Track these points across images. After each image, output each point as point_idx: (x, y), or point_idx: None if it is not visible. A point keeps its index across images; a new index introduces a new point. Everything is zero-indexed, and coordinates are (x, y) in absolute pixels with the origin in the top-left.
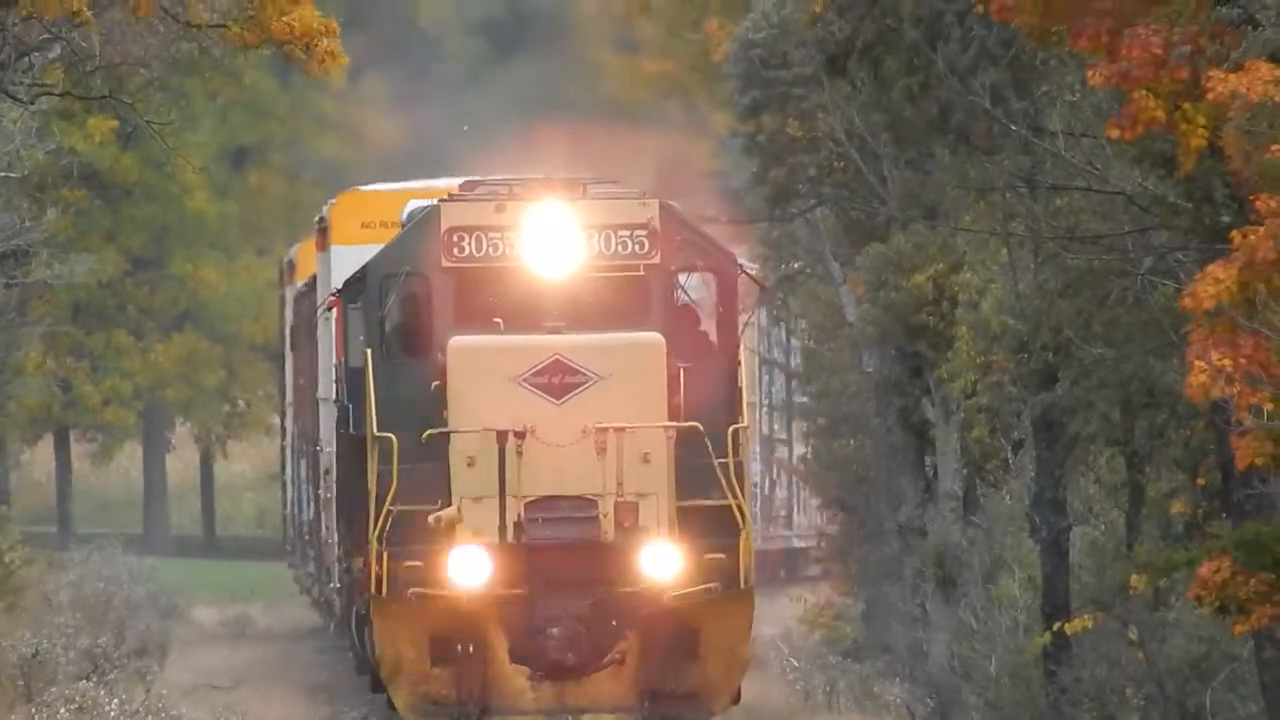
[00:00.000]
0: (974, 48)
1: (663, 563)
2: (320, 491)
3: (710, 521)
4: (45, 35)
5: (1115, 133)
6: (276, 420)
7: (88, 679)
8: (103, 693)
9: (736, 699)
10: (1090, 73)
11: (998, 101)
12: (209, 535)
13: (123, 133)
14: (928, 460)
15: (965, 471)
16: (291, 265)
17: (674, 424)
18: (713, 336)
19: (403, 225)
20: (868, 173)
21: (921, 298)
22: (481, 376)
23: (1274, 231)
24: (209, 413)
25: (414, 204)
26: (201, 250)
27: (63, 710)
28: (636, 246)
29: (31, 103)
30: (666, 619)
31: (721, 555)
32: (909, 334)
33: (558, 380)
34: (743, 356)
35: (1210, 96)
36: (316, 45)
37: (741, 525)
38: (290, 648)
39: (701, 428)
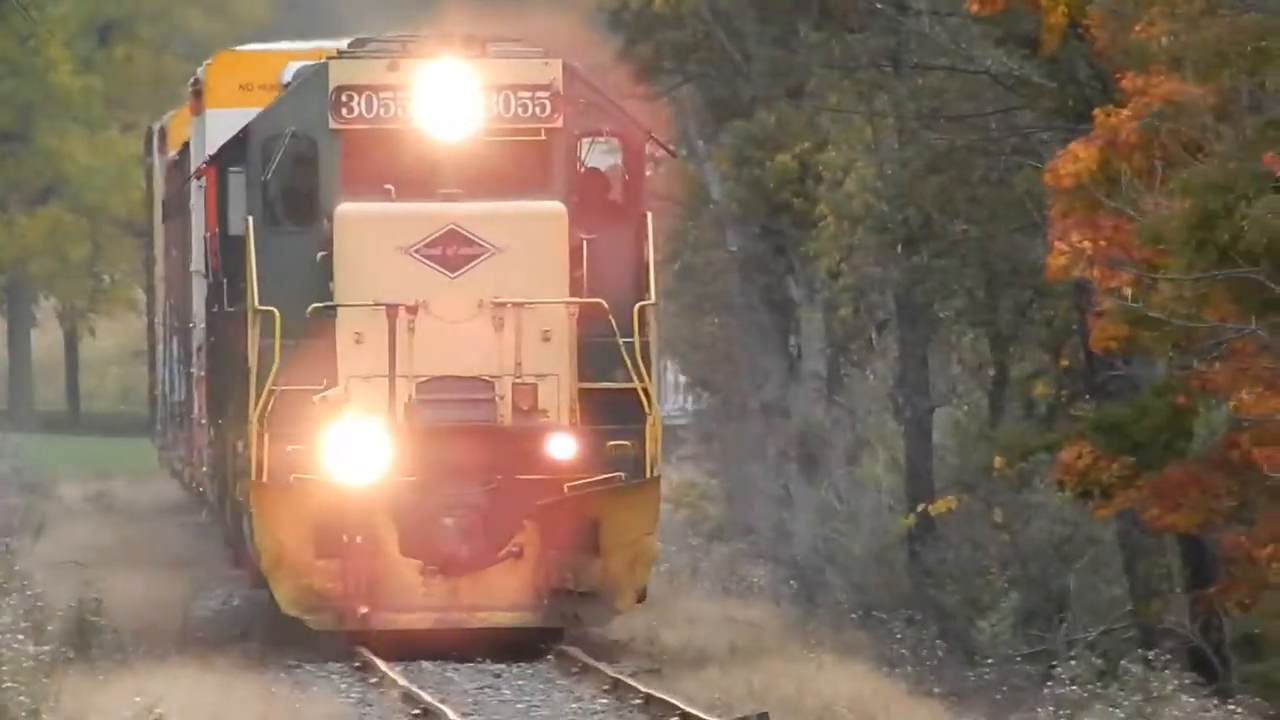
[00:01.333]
0: None
1: (563, 449)
2: (192, 370)
3: (614, 405)
4: None
5: (975, 7)
6: (142, 296)
7: None
8: None
9: (642, 597)
10: None
11: None
12: (73, 411)
13: None
14: (791, 340)
15: (829, 351)
16: (164, 133)
17: (576, 299)
18: (619, 205)
19: (284, 88)
20: (732, 50)
21: (786, 176)
22: (371, 247)
23: (1138, 111)
24: (74, 288)
25: (296, 64)
26: (66, 124)
27: None
28: (538, 109)
29: None
30: (567, 510)
31: (626, 442)
32: (773, 212)
33: (453, 251)
34: (650, 228)
35: None
36: None
37: (648, 410)
38: (154, 525)
39: (606, 304)
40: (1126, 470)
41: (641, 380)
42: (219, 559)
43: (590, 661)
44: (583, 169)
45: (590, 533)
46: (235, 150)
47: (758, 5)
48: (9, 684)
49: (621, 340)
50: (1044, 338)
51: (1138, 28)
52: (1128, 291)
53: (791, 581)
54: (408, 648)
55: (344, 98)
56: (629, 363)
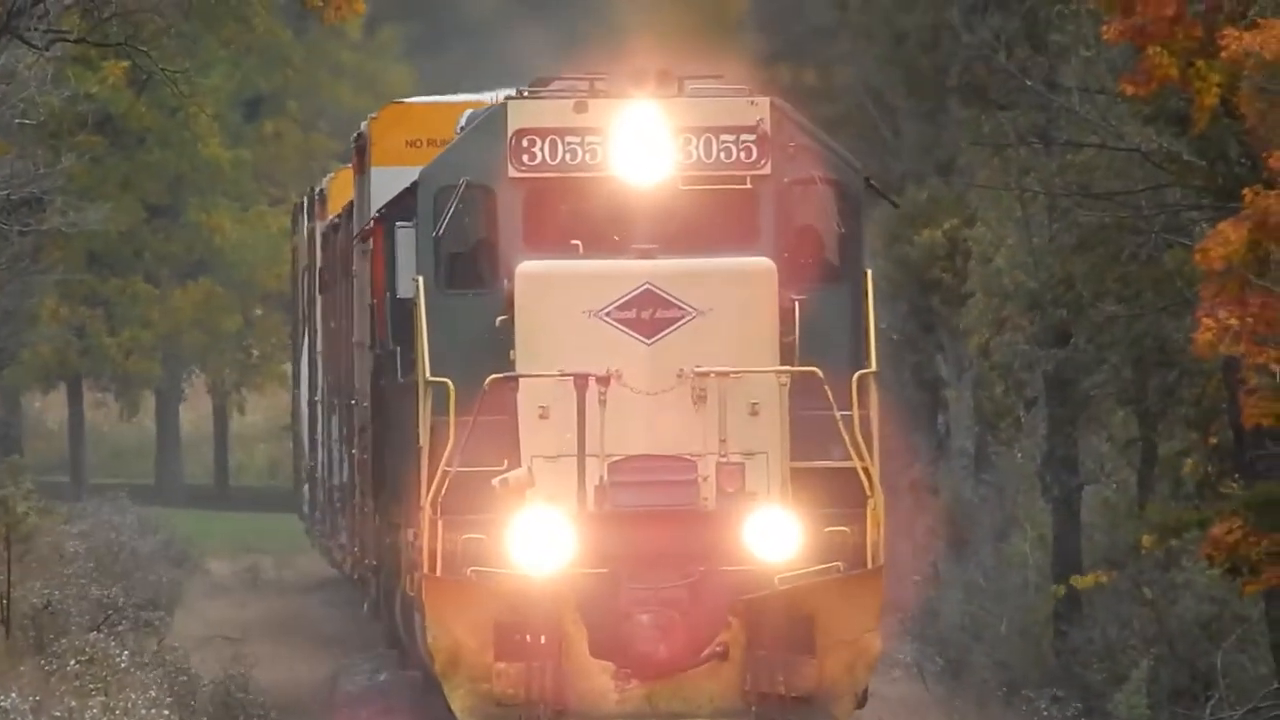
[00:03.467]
0: None
1: (774, 536)
2: (353, 452)
3: (831, 486)
4: None
5: (1129, 89)
6: (290, 370)
7: (98, 630)
8: (113, 644)
9: (862, 702)
10: (1105, 28)
11: (1012, 55)
12: (221, 486)
13: (137, 79)
14: (940, 418)
15: (977, 429)
16: (323, 196)
17: (788, 368)
18: (834, 262)
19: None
20: (883, 126)
21: (934, 253)
22: (557, 310)
23: None
24: (224, 362)
25: (474, 112)
26: (216, 199)
27: (73, 661)
28: (743, 154)
29: (47, 49)
30: (778, 604)
31: (845, 528)
32: (922, 289)
33: (649, 315)
34: (870, 287)
35: (1225, 54)
36: None
37: (869, 491)
38: (301, 600)
39: (821, 373)
40: (1277, 547)
41: (862, 459)
42: (364, 634)
43: None
44: (793, 221)
45: (804, 630)
46: (404, 204)
47: (908, 82)
48: None
49: (839, 413)
50: (1192, 416)
51: None
52: (1276, 368)
53: (938, 659)
54: None
55: (525, 143)
56: (848, 438)
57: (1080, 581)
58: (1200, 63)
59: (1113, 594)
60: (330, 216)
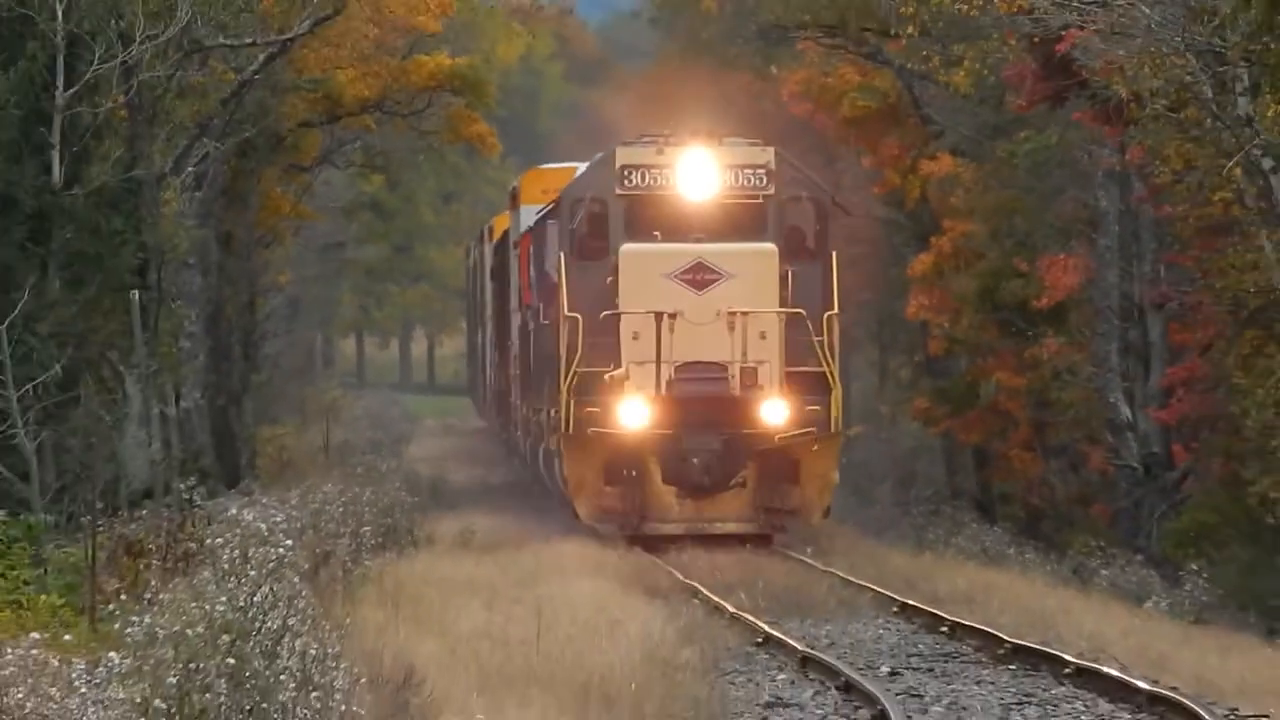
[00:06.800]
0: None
1: (775, 412)
2: (509, 371)
3: (809, 383)
4: (353, 137)
5: (877, 190)
6: (464, 326)
7: (370, 454)
8: (378, 460)
9: (826, 513)
10: (863, 160)
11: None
12: (431, 382)
13: (391, 182)
14: None
15: None
16: (490, 229)
17: (784, 310)
18: (811, 248)
19: None
20: None
21: None
22: (644, 274)
23: (952, 239)
24: (433, 322)
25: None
26: (430, 244)
27: (359, 469)
28: (758, 181)
29: (345, 169)
30: (777, 453)
31: (817, 407)
32: None
33: (700, 277)
34: (834, 264)
35: (922, 172)
36: (485, 140)
37: (833, 385)
38: (470, 439)
39: (804, 313)
40: (947, 413)
41: (828, 365)
42: (502, 457)
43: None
44: (787, 222)
45: (793, 469)
46: (552, 210)
47: None
48: (399, 516)
49: (815, 339)
50: (906, 346)
51: (952, 198)
52: (945, 325)
53: None
54: (666, 545)
55: (626, 172)
56: (820, 353)
57: (850, 431)
58: (910, 175)
59: (866, 439)
60: (493, 240)
